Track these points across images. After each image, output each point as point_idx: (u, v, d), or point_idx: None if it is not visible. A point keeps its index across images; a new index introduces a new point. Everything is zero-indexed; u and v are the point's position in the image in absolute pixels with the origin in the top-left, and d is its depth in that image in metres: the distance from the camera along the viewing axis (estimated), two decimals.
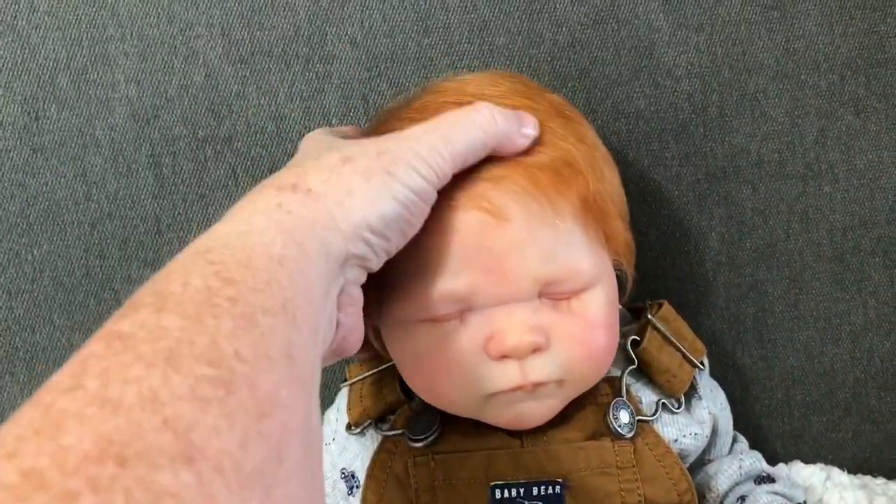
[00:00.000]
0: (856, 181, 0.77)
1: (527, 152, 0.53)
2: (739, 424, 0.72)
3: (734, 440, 0.69)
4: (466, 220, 0.52)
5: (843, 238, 0.78)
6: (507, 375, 0.53)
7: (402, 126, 0.52)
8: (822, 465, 0.76)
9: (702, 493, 0.65)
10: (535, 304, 0.54)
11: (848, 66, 0.75)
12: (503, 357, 0.53)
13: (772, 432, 0.79)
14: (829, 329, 0.79)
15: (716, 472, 0.65)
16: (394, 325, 0.56)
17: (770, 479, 0.66)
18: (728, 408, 0.68)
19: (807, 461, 0.78)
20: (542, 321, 0.53)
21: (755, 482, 0.66)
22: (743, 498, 0.64)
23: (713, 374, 0.70)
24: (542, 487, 0.57)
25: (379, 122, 0.60)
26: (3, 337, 0.76)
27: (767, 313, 0.79)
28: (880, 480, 0.81)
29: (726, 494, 0.65)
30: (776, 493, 0.64)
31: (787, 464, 0.76)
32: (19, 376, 0.77)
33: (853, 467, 0.78)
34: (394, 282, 0.54)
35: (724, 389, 0.70)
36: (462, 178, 0.51)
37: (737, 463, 0.66)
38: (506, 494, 0.57)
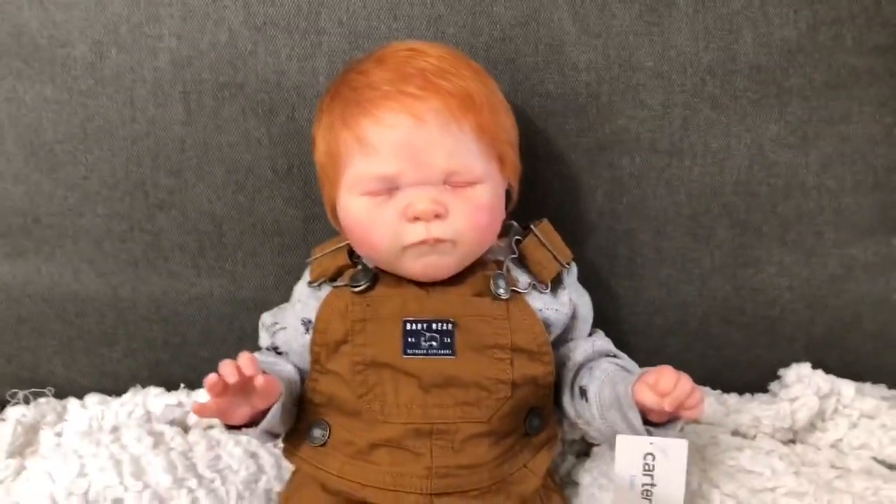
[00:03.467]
0: (710, 159, 0.99)
1: (445, 82, 0.78)
2: (609, 340, 0.93)
3: (593, 333, 0.92)
4: (398, 122, 0.77)
5: (697, 202, 1.00)
6: (417, 232, 0.79)
7: (360, 68, 0.78)
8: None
9: (562, 362, 0.88)
10: (440, 187, 0.80)
11: (708, 71, 0.98)
12: (415, 219, 0.79)
13: (634, 349, 0.97)
14: (683, 271, 1.02)
15: (574, 348, 0.89)
16: (344, 200, 0.82)
17: (615, 357, 0.89)
18: (590, 305, 0.91)
19: None
20: (444, 198, 0.79)
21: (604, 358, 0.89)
22: (591, 367, 0.87)
23: (592, 295, 0.93)
24: (440, 324, 0.81)
25: (343, 71, 0.85)
26: (57, 219, 1.00)
27: (636, 254, 1.02)
28: (717, 392, 1.03)
29: (581, 364, 0.88)
30: (617, 364, 0.87)
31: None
32: (67, 251, 1.01)
33: (698, 382, 0.99)
34: (345, 168, 0.79)
35: (597, 311, 0.93)
36: (393, 90, 0.76)
37: (591, 342, 0.89)
38: (414, 327, 0.81)
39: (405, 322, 0.81)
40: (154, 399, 1.01)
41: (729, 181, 1.00)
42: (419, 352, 0.81)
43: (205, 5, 0.96)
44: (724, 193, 1.00)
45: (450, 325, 0.81)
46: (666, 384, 0.76)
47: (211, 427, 0.98)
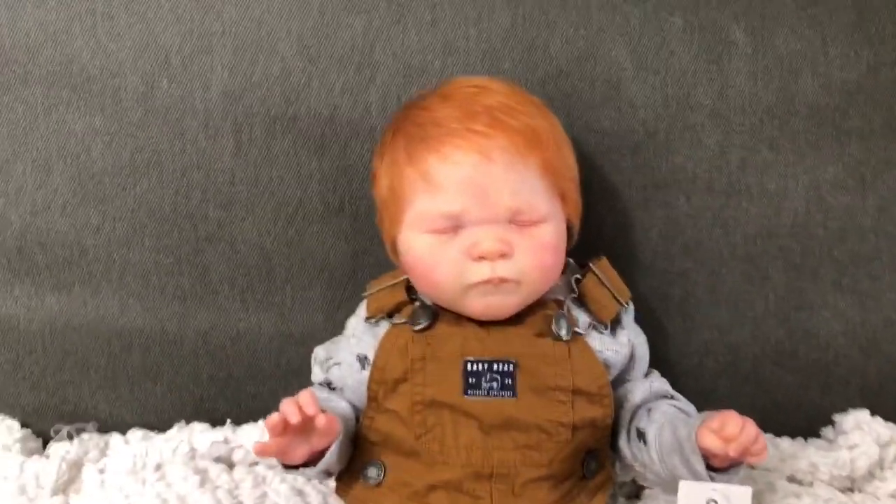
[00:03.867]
0: (766, 200, 0.98)
1: (512, 120, 0.77)
2: (665, 380, 0.92)
3: (650, 374, 0.90)
4: (464, 159, 0.76)
5: (753, 243, 0.99)
6: (481, 271, 0.78)
7: (425, 104, 0.77)
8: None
9: (619, 404, 0.86)
10: (505, 226, 0.78)
11: (766, 111, 0.97)
12: (480, 258, 0.77)
13: (686, 390, 0.95)
14: (737, 313, 1.00)
15: (632, 389, 0.87)
16: (406, 236, 0.81)
17: (673, 398, 0.87)
18: (646, 345, 0.90)
19: None
20: (509, 237, 0.78)
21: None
22: (650, 409, 0.86)
23: (645, 332, 0.91)
24: (501, 365, 0.80)
25: (406, 106, 0.85)
26: (104, 252, 0.99)
27: (690, 295, 1.00)
28: (769, 436, 1.01)
29: (639, 406, 0.86)
30: (675, 406, 0.86)
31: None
32: (114, 285, 1.00)
33: None
34: (408, 204, 0.78)
35: (651, 352, 0.91)
36: (460, 127, 0.75)
37: (648, 383, 0.88)
38: (475, 367, 0.80)
39: (466, 362, 0.80)
40: (199, 435, 0.98)
41: (785, 223, 0.99)
42: (480, 392, 0.79)
43: (257, 37, 0.96)
44: (780, 235, 0.99)
45: (511, 366, 0.79)
46: (732, 429, 0.74)
47: (256, 464, 0.95)
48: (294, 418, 0.73)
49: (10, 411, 1.02)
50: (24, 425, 1.01)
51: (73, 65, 0.96)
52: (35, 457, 0.95)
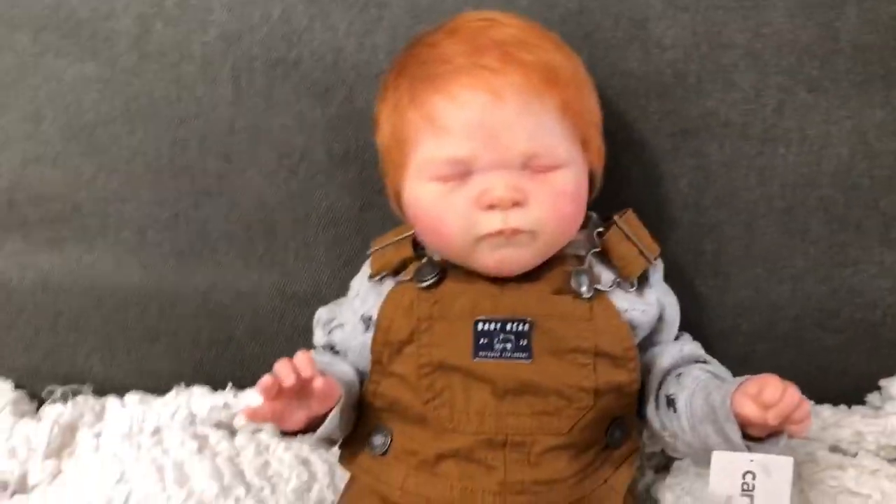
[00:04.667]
0: (806, 147, 0.92)
1: (526, 54, 0.70)
2: (698, 343, 0.86)
3: (680, 337, 0.85)
4: (472, 98, 0.69)
5: (791, 194, 0.93)
6: (492, 221, 0.72)
7: (429, 40, 0.71)
8: None
9: (647, 369, 0.81)
10: (519, 172, 0.72)
11: (805, 51, 0.90)
12: (491, 207, 0.71)
13: (720, 355, 0.90)
14: (774, 270, 0.94)
15: (661, 352, 0.81)
16: (411, 186, 0.75)
17: (706, 362, 0.81)
18: (677, 306, 0.84)
19: None
20: (523, 184, 0.72)
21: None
22: (680, 374, 0.80)
23: (675, 292, 0.86)
24: (514, 324, 0.74)
25: (411, 44, 0.79)
26: (99, 206, 0.97)
27: (723, 251, 0.94)
28: (810, 403, 0.96)
29: (668, 371, 0.81)
30: (708, 371, 0.79)
31: None
32: (109, 240, 0.98)
33: None
34: (412, 151, 0.72)
35: (682, 313, 0.86)
36: (467, 63, 0.68)
37: (678, 347, 0.82)
38: (486, 327, 0.74)
39: (477, 322, 0.74)
40: (198, 399, 0.96)
41: (827, 172, 0.92)
42: (492, 354, 0.74)
43: None
44: (821, 185, 0.93)
45: (526, 326, 0.74)
46: (771, 395, 0.68)
47: (259, 430, 0.93)
48: (289, 380, 0.69)
49: (3, 372, 1.01)
50: (17, 387, 1.00)
51: (63, 8, 0.94)
52: (26, 419, 0.94)
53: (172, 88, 0.93)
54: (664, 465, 0.91)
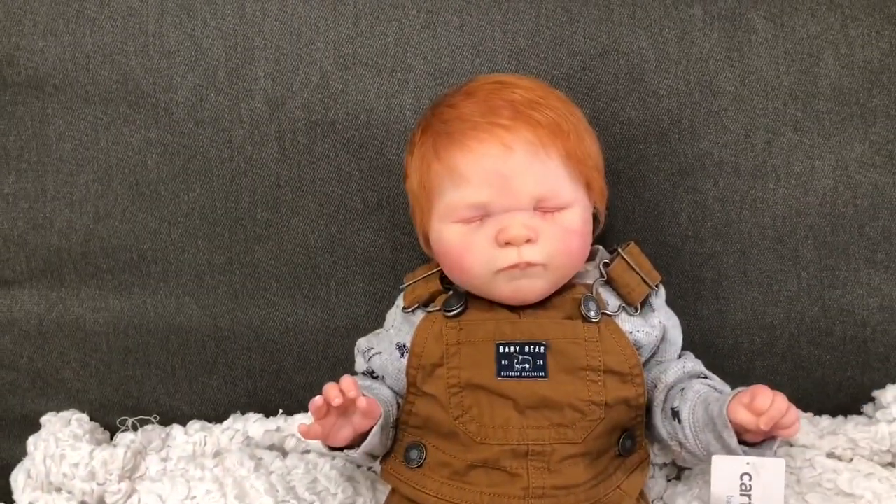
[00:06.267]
0: (794, 181, 1.00)
1: (534, 112, 0.80)
2: (699, 361, 0.93)
3: (683, 355, 0.93)
4: (488, 151, 0.80)
5: (782, 223, 1.00)
6: (509, 256, 0.82)
7: (450, 101, 0.81)
8: None
9: (654, 385, 0.89)
10: (530, 213, 0.82)
11: (789, 94, 0.99)
12: (507, 244, 0.81)
13: (722, 372, 0.96)
14: (770, 293, 1.02)
15: (666, 369, 0.89)
16: (437, 228, 0.85)
17: (706, 378, 0.89)
18: (679, 327, 0.92)
19: None
20: (535, 223, 0.82)
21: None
22: (683, 388, 0.88)
23: (678, 318, 0.93)
24: (531, 346, 0.83)
25: (434, 105, 0.89)
26: (162, 255, 1.05)
27: (722, 277, 1.02)
28: (809, 415, 1.02)
29: (672, 386, 0.88)
30: (708, 385, 0.88)
31: None
32: (171, 285, 1.06)
33: None
34: (437, 197, 0.82)
35: (684, 334, 0.93)
36: (483, 121, 0.79)
37: (681, 364, 0.90)
38: (507, 350, 0.83)
39: (498, 345, 0.83)
40: (253, 425, 1.03)
41: (814, 202, 1.00)
42: (512, 374, 0.82)
43: (297, 48, 1.01)
44: (809, 215, 1.00)
45: (542, 348, 0.83)
46: (762, 402, 0.76)
47: (308, 451, 1.00)
48: (336, 400, 0.78)
49: (80, 406, 1.08)
50: (92, 419, 1.07)
51: (129, 82, 1.03)
52: (102, 445, 1.01)
53: (225, 149, 1.02)
54: (676, 475, 0.98)
